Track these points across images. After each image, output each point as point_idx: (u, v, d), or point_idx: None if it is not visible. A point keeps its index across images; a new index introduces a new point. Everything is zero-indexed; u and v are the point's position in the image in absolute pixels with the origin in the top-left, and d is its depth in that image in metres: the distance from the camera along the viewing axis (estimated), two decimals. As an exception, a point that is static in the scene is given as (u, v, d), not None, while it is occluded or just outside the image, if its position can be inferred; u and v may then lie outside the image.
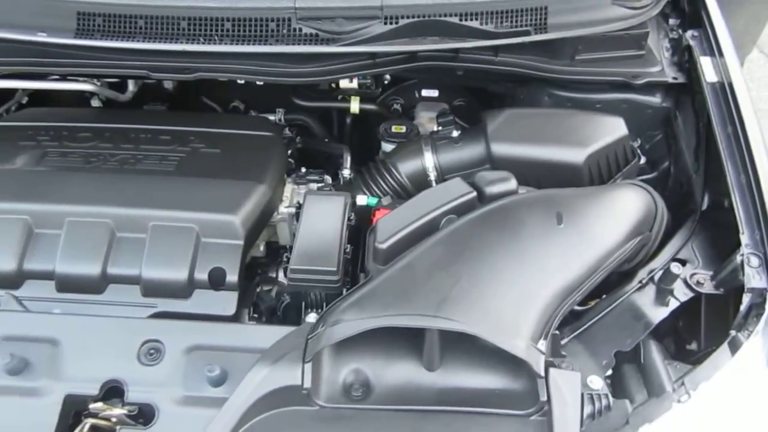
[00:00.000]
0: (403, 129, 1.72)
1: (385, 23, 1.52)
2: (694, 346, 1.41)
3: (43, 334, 1.23)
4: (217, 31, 1.52)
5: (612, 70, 1.66)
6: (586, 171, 1.55)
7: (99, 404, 1.17)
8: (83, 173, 1.50)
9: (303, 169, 1.64)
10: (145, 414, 1.17)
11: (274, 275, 1.51)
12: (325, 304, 1.31)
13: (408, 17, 1.53)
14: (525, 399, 1.13)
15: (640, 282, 1.39)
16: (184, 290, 1.37)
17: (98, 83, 1.81)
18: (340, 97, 1.91)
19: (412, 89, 1.90)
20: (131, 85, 1.90)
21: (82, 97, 1.95)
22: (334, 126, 2.04)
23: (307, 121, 1.95)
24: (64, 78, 1.78)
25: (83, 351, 1.21)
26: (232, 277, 1.38)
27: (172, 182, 1.48)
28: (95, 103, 1.98)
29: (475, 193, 1.32)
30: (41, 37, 1.53)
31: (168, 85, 1.95)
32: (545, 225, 1.30)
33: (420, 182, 1.58)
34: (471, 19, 1.55)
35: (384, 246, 1.26)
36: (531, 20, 1.58)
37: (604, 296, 1.40)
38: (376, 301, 1.17)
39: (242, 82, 1.69)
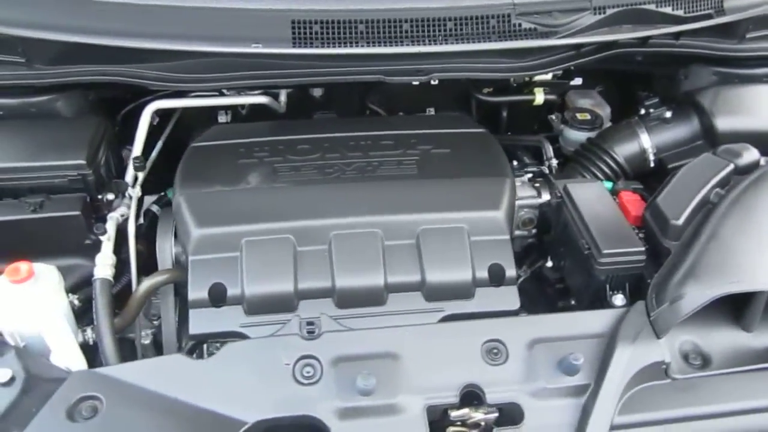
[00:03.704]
0: (588, 116, 1.78)
1: (595, 13, 1.58)
2: None
3: (379, 349, 1.19)
4: (440, 30, 1.51)
5: None
6: None
7: (464, 410, 1.15)
8: (327, 185, 1.46)
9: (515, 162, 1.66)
10: (505, 413, 1.17)
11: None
12: (627, 285, 1.35)
13: (613, 6, 1.60)
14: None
15: None
16: (468, 290, 1.37)
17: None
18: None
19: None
20: (283, 96, 1.84)
21: (212, 112, 1.88)
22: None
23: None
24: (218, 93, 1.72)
25: (427, 360, 1.19)
26: (510, 271, 1.39)
27: (423, 185, 1.47)
28: (222, 118, 1.91)
29: (733, 166, 1.41)
30: (256, 49, 1.47)
31: (317, 93, 1.90)
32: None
33: (638, 163, 1.66)
34: (664, 6, 1.64)
35: (680, 222, 1.32)
36: (711, 4, 1.69)
37: None
38: (704, 272, 1.23)
39: (416, 83, 1.69)
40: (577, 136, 1.77)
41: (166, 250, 1.50)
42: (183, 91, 1.70)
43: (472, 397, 1.17)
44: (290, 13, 1.49)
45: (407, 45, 1.50)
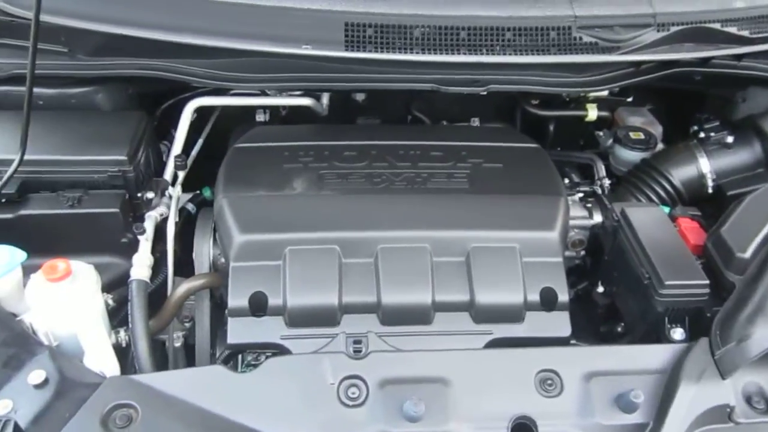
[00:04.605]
0: (642, 136, 1.72)
1: (658, 30, 1.52)
2: None
3: (428, 373, 1.14)
4: (498, 40, 1.45)
5: None
6: None
7: (515, 442, 1.10)
8: (375, 195, 1.40)
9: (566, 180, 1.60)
10: (556, 447, 1.12)
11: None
12: (687, 318, 1.29)
13: (677, 24, 1.53)
14: None
15: None
16: (519, 314, 1.31)
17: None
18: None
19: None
20: (325, 98, 1.79)
21: (248, 111, 1.83)
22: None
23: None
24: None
25: (477, 387, 1.13)
26: (563, 296, 1.33)
27: (474, 200, 1.41)
28: (260, 117, 1.86)
29: (799, 195, 1.35)
30: (306, 50, 1.42)
31: (359, 97, 1.85)
32: None
33: (695, 188, 1.59)
34: (729, 26, 1.58)
35: (746, 255, 1.26)
36: (773, 25, 1.63)
37: None
38: (772, 312, 1.17)
39: (467, 92, 1.64)
40: (630, 155, 1.71)
41: (203, 253, 1.46)
42: (222, 89, 1.67)
43: (522, 429, 1.11)
44: (344, 15, 1.43)
45: (463, 54, 1.44)
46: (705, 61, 1.62)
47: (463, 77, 1.45)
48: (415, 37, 1.45)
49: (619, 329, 1.56)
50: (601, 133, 1.90)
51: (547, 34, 1.48)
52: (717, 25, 1.57)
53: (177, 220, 1.61)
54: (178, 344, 1.53)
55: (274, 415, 1.09)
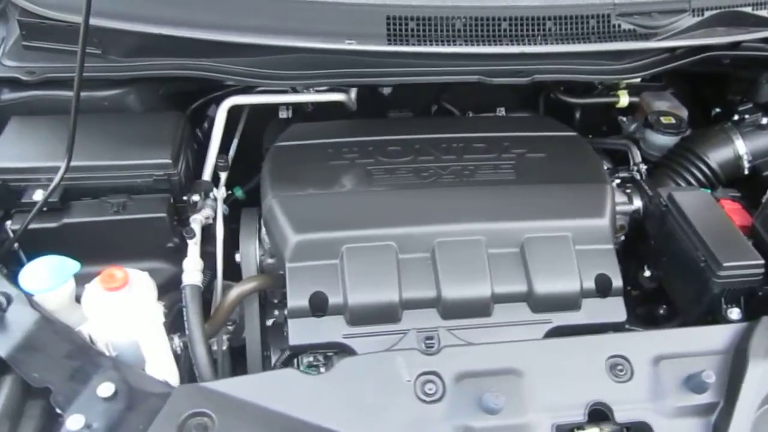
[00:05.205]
0: (672, 120, 1.73)
1: (693, 15, 1.53)
2: None
3: (501, 365, 1.14)
4: (539, 30, 1.45)
5: None
6: None
7: (594, 430, 1.10)
8: (425, 190, 1.39)
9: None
10: (632, 432, 1.13)
11: None
12: (742, 298, 1.31)
13: (712, 9, 1.55)
14: None
15: None
16: (576, 302, 1.32)
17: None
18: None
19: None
20: (353, 93, 1.78)
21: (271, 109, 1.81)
22: None
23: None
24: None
25: (551, 376, 1.13)
26: (617, 282, 1.34)
27: (523, 191, 1.41)
28: (283, 114, 1.84)
29: None
30: (350, 45, 1.40)
31: (386, 90, 1.84)
32: None
33: (731, 170, 1.61)
34: (760, 9, 1.60)
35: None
36: (804, 8, 1.65)
37: None
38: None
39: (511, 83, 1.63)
40: (661, 140, 1.71)
41: (250, 255, 1.44)
42: (252, 87, 1.64)
43: (598, 415, 1.13)
44: (385, 9, 1.42)
45: (506, 45, 1.44)
46: (736, 45, 1.64)
47: (507, 68, 1.45)
48: (457, 28, 1.44)
49: (661, 311, 1.60)
50: (624, 119, 1.92)
51: (587, 22, 1.49)
52: (749, 9, 1.59)
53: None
54: (224, 347, 1.52)
55: (354, 415, 1.08)
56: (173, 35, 1.41)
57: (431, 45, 1.43)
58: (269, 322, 1.52)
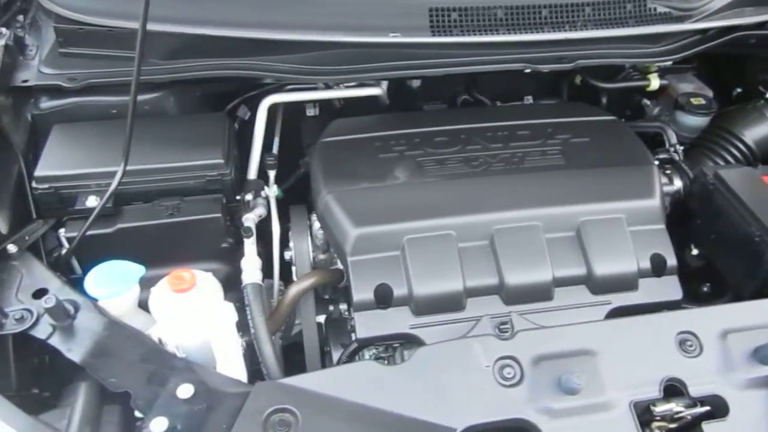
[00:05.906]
0: (702, 101, 1.76)
1: (725, -5, 1.57)
2: None
3: (575, 346, 1.15)
4: (579, 16, 1.47)
5: None
6: None
7: (670, 405, 1.12)
8: (477, 178, 1.40)
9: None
10: (707, 406, 1.15)
11: None
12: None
13: (742, -11, 1.58)
14: None
15: None
16: (633, 282, 1.34)
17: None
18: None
19: None
20: (384, 87, 1.77)
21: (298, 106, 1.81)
22: None
23: None
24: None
25: (623, 355, 1.15)
26: (672, 261, 1.36)
27: (574, 175, 1.42)
28: (310, 111, 1.84)
29: None
30: (395, 38, 1.41)
31: (415, 83, 1.84)
32: None
33: (767, 147, 1.64)
34: (788, -13, 1.63)
35: None
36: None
37: None
38: None
39: (528, 71, 1.65)
40: (693, 121, 1.74)
41: (303, 251, 1.44)
42: (284, 84, 1.64)
43: (673, 390, 1.15)
44: (427, 1, 1.43)
45: (548, 32, 1.46)
46: (762, 25, 1.67)
47: (550, 55, 1.47)
48: (499, 17, 1.46)
49: (705, 289, 1.63)
50: (648, 102, 1.95)
51: (624, 6, 1.51)
52: (776, -13, 1.63)
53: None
54: (279, 343, 1.52)
55: (436, 402, 1.09)
56: (213, 35, 1.41)
57: (474, 35, 1.44)
58: (320, 318, 1.53)
